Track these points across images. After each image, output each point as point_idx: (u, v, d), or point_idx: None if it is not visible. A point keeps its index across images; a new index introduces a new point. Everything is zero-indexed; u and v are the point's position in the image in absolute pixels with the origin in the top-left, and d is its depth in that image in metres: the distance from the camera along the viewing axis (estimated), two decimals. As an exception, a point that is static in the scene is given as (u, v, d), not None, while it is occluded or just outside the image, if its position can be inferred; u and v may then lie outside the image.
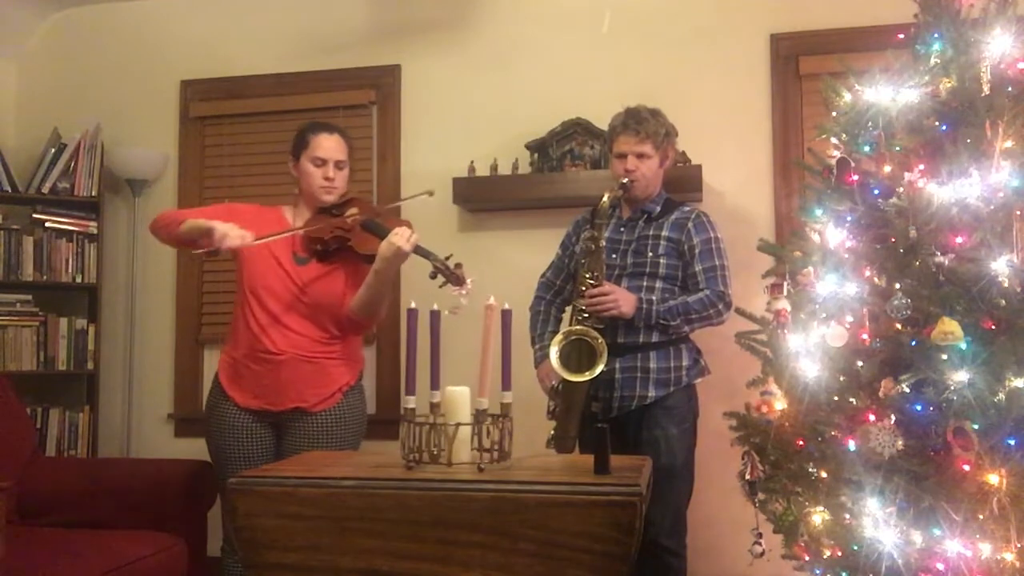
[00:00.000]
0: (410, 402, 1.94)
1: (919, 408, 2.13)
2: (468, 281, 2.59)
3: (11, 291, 3.89)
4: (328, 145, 2.83)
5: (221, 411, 2.79)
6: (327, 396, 2.78)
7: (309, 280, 2.78)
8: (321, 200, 2.83)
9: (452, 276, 2.62)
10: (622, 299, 2.74)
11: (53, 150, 3.99)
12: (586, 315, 2.76)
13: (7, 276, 3.86)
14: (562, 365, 2.69)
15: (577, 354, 2.70)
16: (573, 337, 2.72)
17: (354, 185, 3.81)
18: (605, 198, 2.80)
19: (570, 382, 2.70)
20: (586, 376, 2.66)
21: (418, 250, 2.68)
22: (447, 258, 2.65)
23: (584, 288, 2.78)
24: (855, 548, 2.18)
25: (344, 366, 2.84)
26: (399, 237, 2.65)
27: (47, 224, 3.95)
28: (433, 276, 2.65)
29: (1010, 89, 2.26)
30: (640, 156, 2.87)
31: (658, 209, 2.94)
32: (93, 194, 4.01)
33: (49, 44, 4.29)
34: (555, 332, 2.97)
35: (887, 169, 2.35)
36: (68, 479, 3.32)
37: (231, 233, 2.59)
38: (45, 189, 3.96)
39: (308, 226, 2.78)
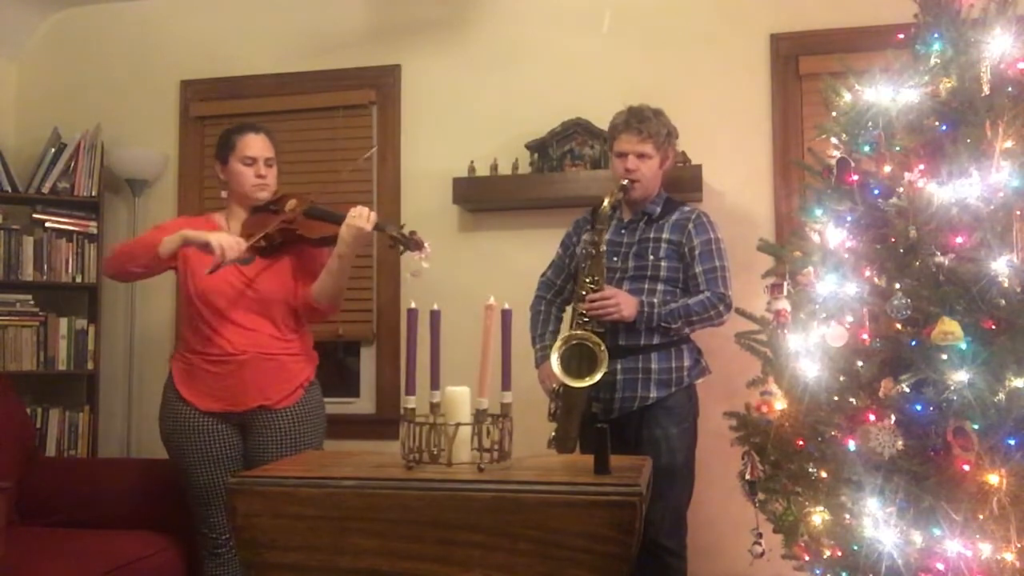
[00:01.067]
0: (410, 402, 1.94)
1: (919, 408, 2.13)
2: (426, 244, 2.66)
3: (11, 291, 3.89)
4: (256, 144, 2.86)
5: (182, 418, 2.78)
6: (289, 392, 2.80)
7: (255, 277, 2.79)
8: (255, 198, 2.85)
9: (410, 242, 2.69)
10: (623, 303, 2.74)
11: (53, 150, 3.99)
12: (587, 319, 2.76)
13: (7, 276, 3.86)
14: (563, 370, 2.69)
15: (578, 358, 2.70)
16: (574, 342, 2.72)
17: (354, 185, 3.84)
18: (605, 202, 2.80)
19: (571, 387, 2.70)
20: (586, 382, 2.66)
21: (376, 226, 2.73)
22: (400, 227, 2.75)
23: (585, 292, 2.78)
24: (855, 548, 2.18)
25: (303, 362, 2.87)
26: (359, 219, 2.69)
27: (47, 224, 3.95)
28: (392, 246, 2.74)
29: (1010, 89, 2.26)
30: (641, 156, 2.87)
31: (659, 210, 2.94)
32: (93, 194, 4.00)
33: (49, 44, 4.29)
34: (556, 332, 2.97)
35: (887, 169, 2.35)
36: (68, 479, 3.32)
37: (228, 244, 2.62)
38: (45, 189, 3.96)
39: (247, 228, 2.79)
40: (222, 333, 2.75)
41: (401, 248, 2.71)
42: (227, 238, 2.65)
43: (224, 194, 2.91)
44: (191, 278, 2.79)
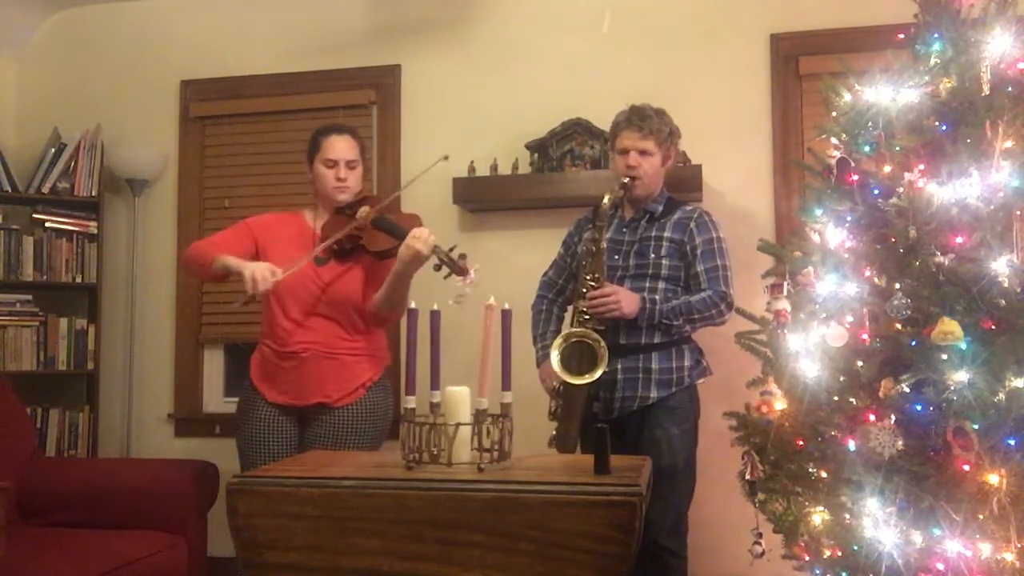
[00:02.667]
0: (410, 402, 1.94)
1: (919, 408, 2.13)
2: (472, 271, 2.64)
3: (11, 291, 3.89)
4: (338, 146, 2.87)
5: (252, 405, 2.85)
6: (350, 391, 2.80)
7: (329, 280, 2.82)
8: (336, 200, 2.87)
9: (456, 267, 2.66)
10: (624, 300, 2.74)
11: (53, 150, 3.99)
12: (587, 317, 2.76)
13: (7, 276, 3.86)
14: (563, 368, 2.69)
15: (578, 356, 2.70)
16: (574, 339, 2.71)
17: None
18: (606, 199, 2.80)
19: (571, 385, 2.70)
20: (586, 379, 2.66)
21: (434, 249, 2.71)
22: (451, 249, 2.70)
23: (585, 290, 2.78)
24: (855, 548, 2.18)
25: (367, 362, 2.86)
26: (418, 241, 2.68)
27: (47, 224, 3.95)
28: (437, 268, 2.70)
29: (1010, 89, 2.26)
30: (642, 153, 2.86)
31: (660, 209, 2.94)
32: (93, 194, 4.01)
33: (49, 44, 4.29)
34: (557, 331, 2.97)
35: (887, 169, 2.35)
36: (68, 479, 3.32)
37: (260, 277, 2.62)
38: (45, 189, 3.96)
39: (325, 231, 2.81)
40: (292, 332, 2.79)
41: (447, 271, 2.68)
42: (260, 270, 2.63)
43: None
44: None
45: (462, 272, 2.65)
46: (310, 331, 2.79)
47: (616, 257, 2.88)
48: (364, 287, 2.84)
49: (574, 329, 2.76)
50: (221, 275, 2.78)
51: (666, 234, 2.87)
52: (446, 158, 2.93)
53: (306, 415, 2.82)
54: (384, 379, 2.91)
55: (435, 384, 1.95)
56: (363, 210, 2.83)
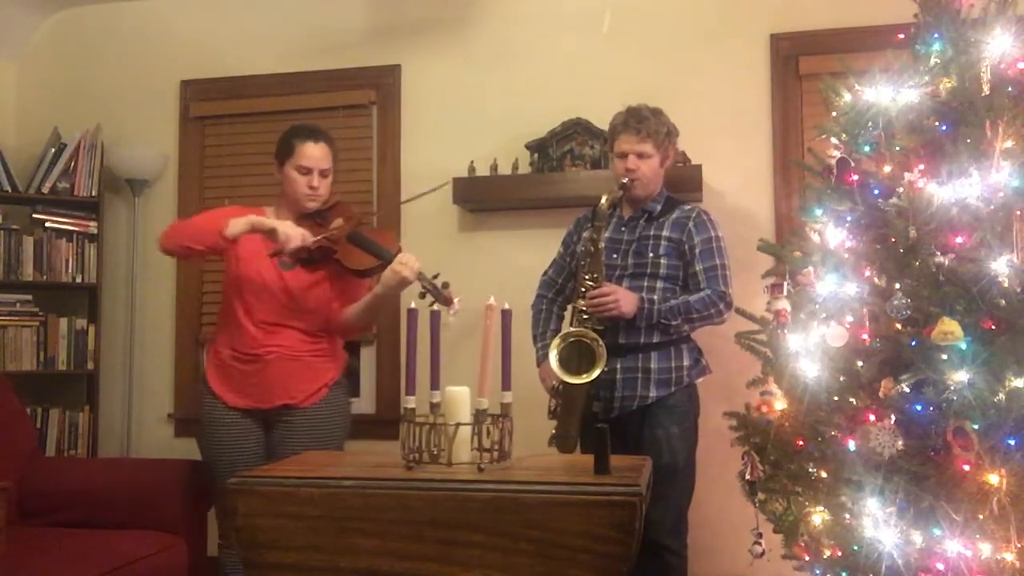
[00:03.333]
0: (410, 402, 1.94)
1: (919, 408, 2.13)
2: (456, 301, 2.68)
3: (11, 291, 3.89)
4: (313, 154, 2.84)
5: (212, 411, 2.83)
6: (314, 391, 2.82)
7: (297, 285, 2.82)
8: (305, 207, 2.87)
9: (440, 296, 2.71)
10: (623, 299, 2.74)
11: (53, 150, 3.99)
12: (586, 316, 2.76)
13: (7, 276, 3.86)
14: (561, 367, 2.69)
15: (577, 356, 2.70)
16: (572, 339, 2.71)
17: (354, 185, 3.84)
18: (604, 199, 2.80)
19: (570, 384, 2.70)
20: (584, 379, 2.66)
21: (419, 275, 2.74)
22: (435, 277, 2.74)
23: (584, 289, 2.78)
24: (855, 548, 2.18)
25: (330, 362, 2.89)
26: (405, 267, 2.71)
27: (47, 224, 3.95)
28: (422, 296, 2.72)
29: (1010, 89, 2.26)
30: (641, 155, 2.87)
31: (659, 208, 2.94)
32: (93, 194, 4.00)
33: (49, 44, 4.29)
34: (557, 331, 2.97)
35: (887, 169, 2.35)
36: (68, 479, 3.32)
37: (292, 233, 2.64)
38: (45, 189, 3.96)
39: (320, 235, 2.81)
40: (255, 335, 2.79)
41: (431, 300, 2.70)
42: (292, 228, 2.66)
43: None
44: (234, 277, 2.83)
45: (447, 302, 2.69)
46: (275, 335, 2.79)
47: (615, 256, 2.88)
48: (331, 294, 2.85)
49: (572, 329, 2.76)
50: (229, 242, 2.68)
51: (664, 233, 2.88)
52: (446, 184, 3.02)
53: (271, 417, 2.82)
54: (342, 379, 2.94)
55: (435, 384, 1.95)
56: (337, 221, 2.83)
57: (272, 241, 2.68)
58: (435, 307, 2.63)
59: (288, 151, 2.86)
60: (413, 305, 1.99)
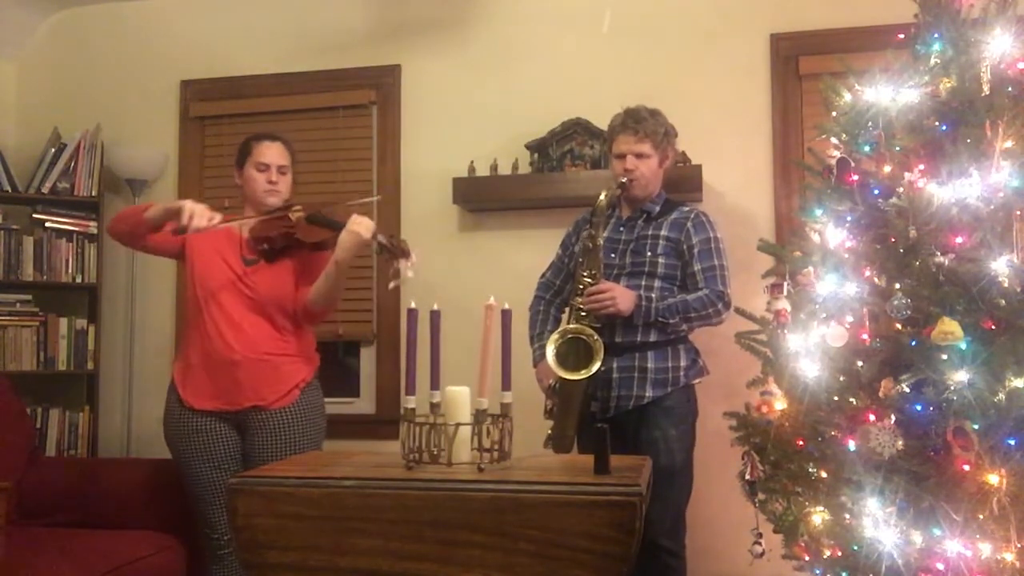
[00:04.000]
0: (410, 402, 1.94)
1: (919, 408, 2.13)
2: (413, 254, 2.70)
3: (11, 291, 3.89)
4: (271, 152, 2.91)
5: (181, 417, 2.82)
6: (284, 393, 2.81)
7: (258, 280, 2.83)
8: (266, 203, 2.90)
9: (395, 250, 2.73)
10: (620, 297, 2.74)
11: (53, 150, 3.99)
12: (584, 314, 2.76)
13: (7, 276, 3.86)
14: (558, 364, 2.69)
15: (574, 353, 2.70)
16: (570, 336, 2.72)
17: (354, 185, 3.84)
18: (602, 197, 2.80)
19: (567, 381, 2.70)
20: (582, 375, 2.66)
21: (374, 235, 2.76)
22: (391, 236, 2.80)
23: (582, 287, 2.78)
24: (855, 548, 2.18)
25: (300, 363, 2.88)
26: (360, 226, 2.73)
27: (47, 224, 3.95)
28: (379, 252, 2.79)
29: (1010, 89, 2.26)
30: (639, 156, 2.87)
31: (657, 209, 2.94)
32: (93, 194, 4.00)
33: (49, 44, 4.29)
34: (554, 332, 2.97)
35: (887, 169, 2.35)
36: (68, 479, 3.33)
37: (198, 212, 2.64)
38: (45, 189, 3.96)
39: (255, 231, 2.84)
40: (223, 336, 2.78)
41: (387, 256, 2.75)
42: (199, 207, 2.67)
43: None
44: (195, 277, 2.83)
45: (404, 254, 2.70)
46: (241, 334, 2.78)
47: (613, 255, 2.88)
48: (295, 283, 2.86)
49: (570, 325, 2.76)
50: (156, 225, 2.77)
51: (663, 233, 2.88)
52: (379, 199, 3.28)
53: (242, 420, 2.81)
54: (315, 380, 2.94)
55: (435, 384, 1.95)
56: (294, 208, 2.88)
57: (177, 220, 2.67)
58: (397, 265, 2.71)
59: (246, 151, 2.94)
60: (413, 305, 1.99)
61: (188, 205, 2.65)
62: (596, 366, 2.64)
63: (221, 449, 2.80)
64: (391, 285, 2.67)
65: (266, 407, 2.78)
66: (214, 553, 2.83)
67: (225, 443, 2.80)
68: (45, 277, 3.93)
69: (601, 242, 2.83)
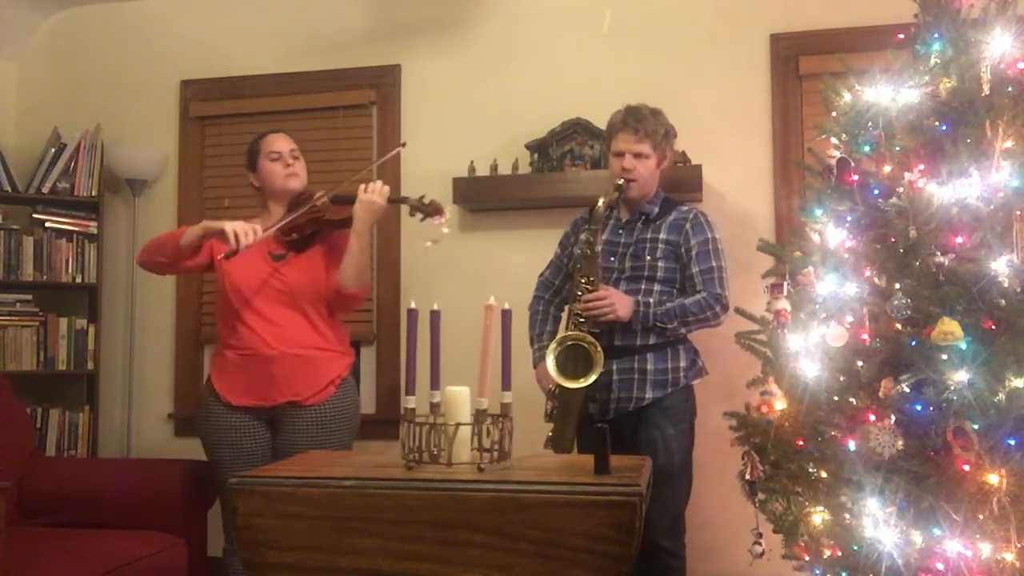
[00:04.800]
0: (410, 402, 1.94)
1: (919, 408, 2.13)
2: (445, 210, 2.76)
3: (11, 291, 3.89)
4: (279, 140, 2.95)
5: (215, 413, 2.83)
6: (320, 389, 2.81)
7: (289, 273, 2.83)
8: (289, 188, 2.91)
9: (429, 208, 2.77)
10: (618, 303, 2.73)
11: (53, 150, 3.99)
12: (583, 320, 2.75)
13: (7, 276, 3.86)
14: (558, 370, 2.68)
15: (574, 359, 2.69)
16: (569, 343, 2.71)
17: (354, 185, 3.82)
18: (600, 202, 2.79)
19: (567, 388, 2.70)
20: (581, 383, 2.65)
21: (391, 199, 2.80)
22: (420, 197, 2.81)
23: (580, 293, 2.77)
24: (855, 548, 2.18)
25: (335, 359, 2.88)
26: (372, 192, 2.76)
27: (47, 224, 3.95)
28: (412, 214, 2.82)
29: (1010, 89, 2.26)
30: (637, 156, 2.86)
31: (656, 210, 2.93)
32: (93, 194, 4.01)
33: (49, 44, 4.29)
34: (554, 332, 2.97)
35: (887, 169, 2.35)
36: (68, 479, 3.32)
37: (241, 230, 2.66)
38: (45, 189, 3.96)
39: (287, 218, 2.84)
40: (253, 328, 2.79)
41: (420, 216, 2.79)
42: (241, 225, 2.68)
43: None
44: (227, 279, 2.84)
45: (437, 211, 2.75)
46: (273, 328, 2.79)
47: (612, 259, 2.88)
48: (324, 271, 2.86)
49: (569, 332, 2.75)
50: (193, 249, 2.80)
51: (662, 236, 2.87)
52: (403, 144, 3.23)
53: (276, 416, 2.81)
54: (351, 376, 2.94)
55: (435, 384, 1.95)
56: (318, 193, 2.89)
57: (224, 243, 2.70)
58: (427, 221, 2.78)
59: (255, 149, 2.96)
60: (413, 305, 1.99)
61: (229, 226, 2.67)
62: (595, 376, 2.64)
63: (251, 445, 2.80)
64: (428, 244, 2.72)
65: (301, 403, 2.79)
66: (233, 545, 2.83)
67: (256, 439, 2.81)
68: (45, 277, 3.93)
69: (599, 248, 2.82)
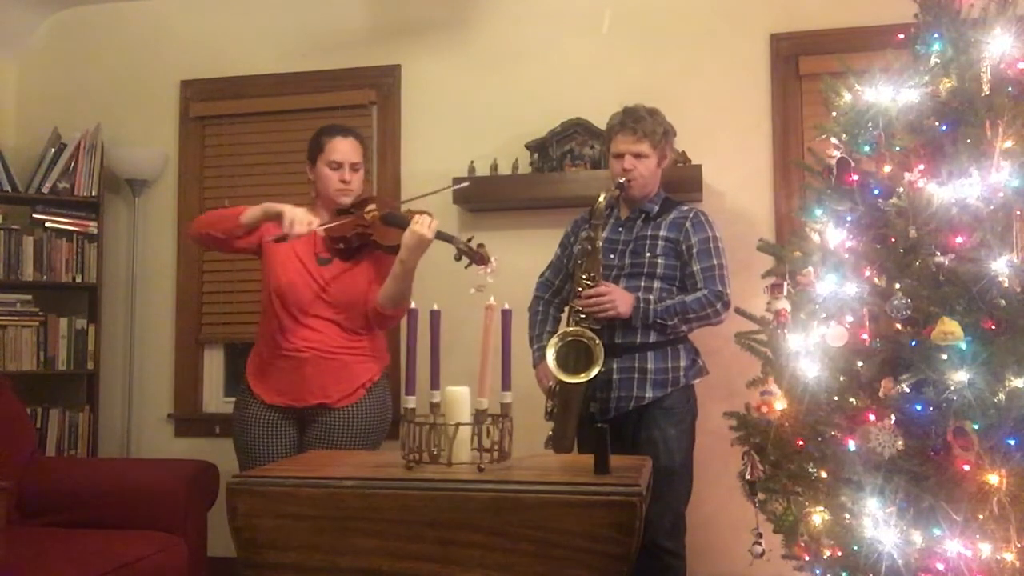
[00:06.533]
0: (410, 402, 1.94)
1: (919, 408, 2.13)
2: (492, 259, 2.69)
3: (11, 291, 3.89)
4: (343, 148, 2.86)
5: (248, 409, 2.83)
6: (350, 392, 2.80)
7: (331, 279, 2.81)
8: (338, 202, 2.86)
9: (476, 256, 2.70)
10: (619, 299, 2.74)
11: (53, 150, 3.99)
12: (583, 316, 2.75)
13: (7, 276, 3.86)
14: (559, 367, 2.68)
15: (574, 355, 2.70)
16: (570, 338, 2.71)
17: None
18: (601, 198, 2.79)
19: (567, 383, 2.70)
20: (582, 378, 2.65)
21: (440, 235, 2.74)
22: (469, 240, 2.73)
23: (581, 289, 2.78)
24: (855, 548, 2.18)
25: (369, 362, 2.86)
26: (420, 225, 2.70)
27: (47, 224, 3.95)
28: (458, 258, 2.73)
29: (1010, 89, 2.26)
30: (637, 156, 2.86)
31: (656, 209, 2.94)
32: (93, 194, 4.01)
33: (49, 44, 4.29)
34: (553, 332, 2.97)
35: (887, 169, 2.35)
36: (68, 479, 3.32)
37: (298, 218, 2.64)
38: (45, 189, 3.96)
39: (331, 231, 2.79)
40: (291, 330, 2.78)
41: (467, 261, 2.73)
42: (300, 213, 2.67)
43: (314, 193, 2.93)
44: (271, 274, 2.82)
45: (483, 261, 2.69)
46: (311, 331, 2.78)
47: (612, 256, 2.88)
48: (369, 285, 2.84)
49: (570, 328, 2.76)
50: (250, 229, 2.76)
51: (662, 233, 2.87)
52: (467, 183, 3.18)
53: (306, 417, 2.81)
54: (383, 379, 2.91)
55: (435, 384, 1.95)
56: (370, 207, 2.84)
57: (278, 224, 2.68)
58: (472, 267, 2.71)
59: (318, 148, 2.88)
60: (413, 305, 2.00)
61: (288, 211, 2.65)
62: (596, 370, 2.64)
63: (278, 444, 2.79)
64: (472, 291, 2.56)
65: (331, 405, 2.78)
66: None
67: (283, 438, 2.80)
68: (45, 277, 3.93)
69: (600, 244, 2.82)
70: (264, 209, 2.76)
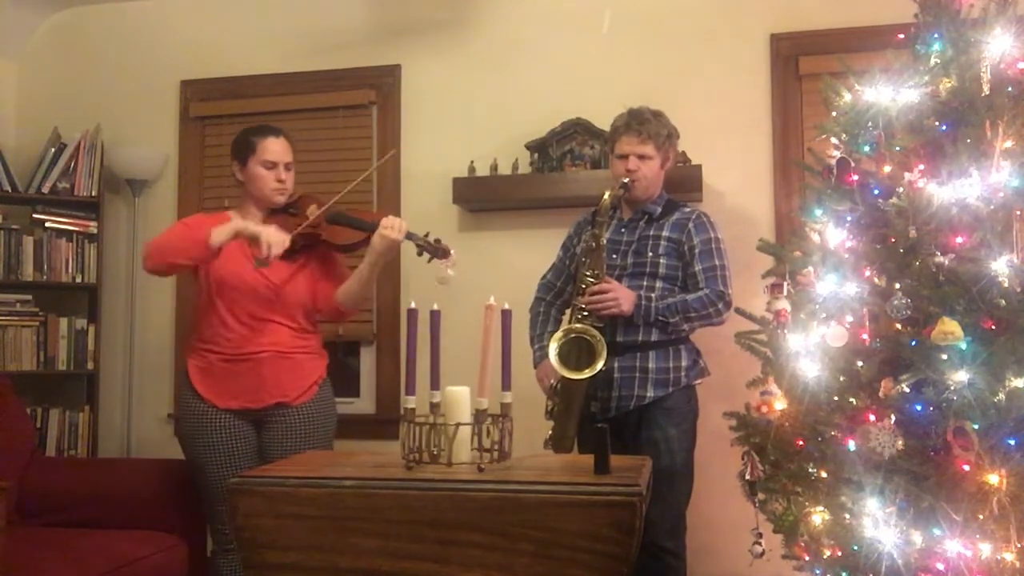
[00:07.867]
0: (410, 402, 1.94)
1: (919, 408, 2.13)
2: (452, 252, 2.79)
3: (11, 291, 3.89)
4: (276, 148, 2.87)
5: (199, 415, 2.81)
6: (305, 389, 2.83)
7: (279, 278, 2.82)
8: (273, 202, 2.88)
9: (436, 250, 2.80)
10: (622, 297, 2.74)
11: (53, 150, 3.99)
12: (586, 313, 2.76)
13: (7, 276, 3.86)
14: (561, 363, 2.69)
15: (576, 352, 2.70)
16: (573, 335, 2.71)
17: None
18: (606, 196, 2.80)
19: (569, 381, 2.70)
20: (585, 374, 2.65)
21: (407, 235, 2.80)
22: (426, 235, 2.83)
23: (584, 286, 2.78)
24: (855, 548, 2.18)
25: (317, 359, 2.91)
26: (391, 229, 2.76)
27: (47, 224, 3.95)
28: (419, 254, 2.84)
29: (1010, 89, 2.26)
30: (641, 157, 2.87)
31: (659, 210, 2.94)
32: (93, 194, 4.00)
33: (49, 44, 4.29)
34: (554, 333, 2.97)
35: (887, 169, 2.35)
36: (68, 479, 3.32)
37: (275, 241, 2.65)
38: (45, 189, 3.96)
39: (301, 226, 2.81)
40: (239, 331, 2.78)
41: (428, 256, 2.81)
42: (275, 234, 2.67)
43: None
44: (211, 276, 2.81)
45: (444, 255, 2.78)
46: (263, 334, 2.79)
47: (614, 256, 2.88)
48: (316, 284, 2.87)
49: (573, 325, 2.76)
50: (215, 252, 2.67)
51: (664, 233, 2.88)
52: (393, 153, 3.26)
53: (262, 417, 2.82)
54: (327, 376, 2.95)
55: (435, 384, 1.95)
56: (311, 207, 2.86)
57: (255, 248, 2.69)
58: (434, 261, 2.81)
59: (249, 148, 2.87)
60: (413, 305, 1.99)
61: (264, 234, 2.65)
62: (599, 366, 2.64)
63: (239, 447, 2.80)
64: (438, 285, 2.74)
65: (288, 403, 2.80)
66: (222, 548, 2.85)
67: (242, 441, 2.81)
68: (45, 277, 3.93)
69: (604, 242, 2.82)
70: (235, 230, 2.69)
